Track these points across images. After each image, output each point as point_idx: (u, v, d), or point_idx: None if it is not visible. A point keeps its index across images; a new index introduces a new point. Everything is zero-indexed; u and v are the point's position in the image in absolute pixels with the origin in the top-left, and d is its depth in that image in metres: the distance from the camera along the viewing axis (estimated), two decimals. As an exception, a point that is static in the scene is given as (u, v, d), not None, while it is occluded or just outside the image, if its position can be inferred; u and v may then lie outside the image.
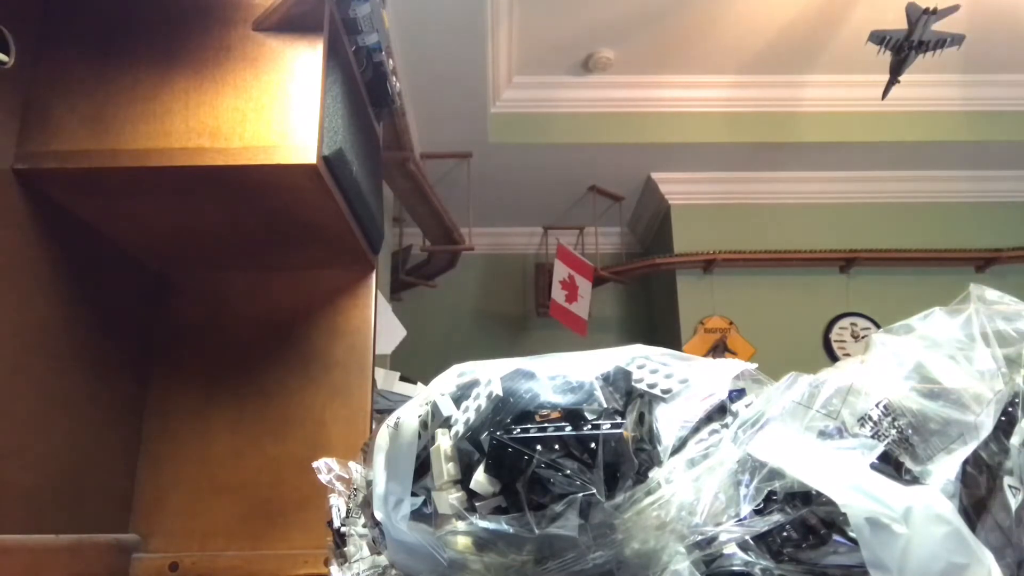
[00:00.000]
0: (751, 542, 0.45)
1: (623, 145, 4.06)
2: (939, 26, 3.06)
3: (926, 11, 2.99)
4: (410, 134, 3.29)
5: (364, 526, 0.75)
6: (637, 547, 0.46)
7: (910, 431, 0.45)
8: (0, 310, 1.04)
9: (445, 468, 0.53)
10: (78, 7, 1.16)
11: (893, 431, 0.45)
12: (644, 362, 0.57)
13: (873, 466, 0.44)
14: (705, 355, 2.77)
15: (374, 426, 1.46)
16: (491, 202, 4.53)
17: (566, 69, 3.87)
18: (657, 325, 4.75)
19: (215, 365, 1.49)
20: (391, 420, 0.63)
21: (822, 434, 0.47)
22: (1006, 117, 3.99)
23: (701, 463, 0.48)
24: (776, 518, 0.44)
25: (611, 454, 0.48)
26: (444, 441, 0.55)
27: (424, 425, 0.59)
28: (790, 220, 4.35)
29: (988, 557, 0.40)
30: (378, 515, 0.60)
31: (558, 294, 4.24)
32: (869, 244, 4.18)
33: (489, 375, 0.56)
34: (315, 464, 0.86)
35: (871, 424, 0.46)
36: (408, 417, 0.60)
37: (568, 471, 0.48)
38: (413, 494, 0.57)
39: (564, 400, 0.53)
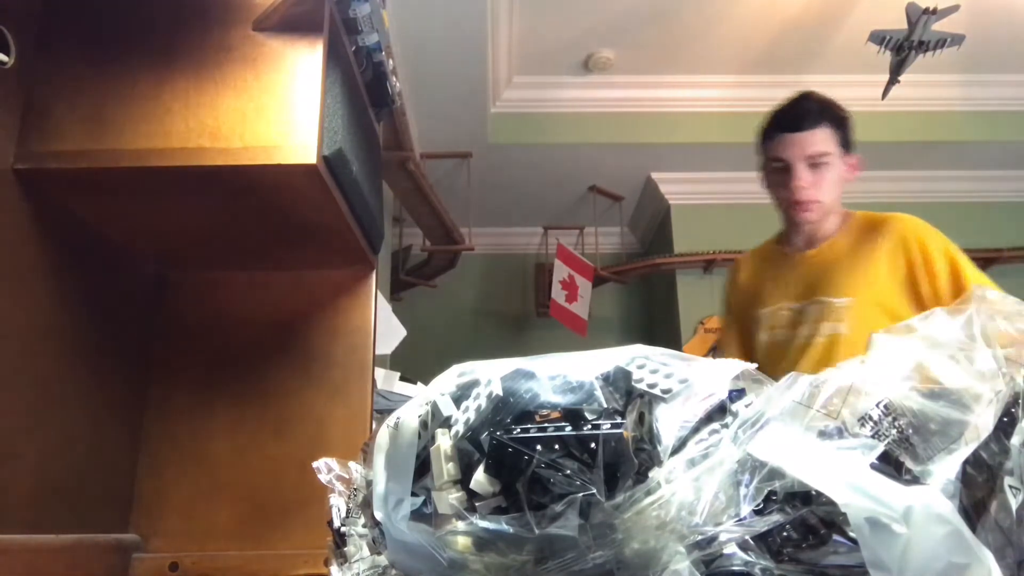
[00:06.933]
0: (751, 542, 0.45)
1: (623, 145, 4.06)
2: (939, 26, 3.07)
3: (926, 11, 2.99)
4: (410, 134, 3.29)
5: (364, 526, 0.75)
6: (637, 547, 0.46)
7: (910, 431, 0.45)
8: None
9: (445, 468, 0.53)
10: (78, 7, 1.15)
11: (893, 431, 0.45)
12: (644, 362, 0.56)
13: (873, 466, 0.44)
14: (705, 355, 2.77)
15: (374, 426, 1.46)
16: (491, 202, 4.53)
17: (566, 69, 3.87)
18: (657, 325, 4.75)
19: (215, 365, 1.49)
20: (391, 420, 0.63)
21: (822, 434, 0.47)
22: (1006, 117, 3.99)
23: (701, 463, 0.48)
24: (776, 518, 0.44)
25: (611, 454, 0.48)
26: (444, 441, 0.55)
27: (424, 425, 0.59)
28: (790, 220, 4.34)
29: (988, 557, 0.40)
30: (378, 515, 0.59)
31: (558, 294, 4.24)
32: (869, 244, 4.17)
33: (489, 375, 0.56)
34: (315, 464, 0.85)
35: (871, 424, 0.46)
36: (408, 417, 0.60)
37: (568, 471, 0.48)
38: (413, 494, 0.57)
39: (564, 400, 0.52)
